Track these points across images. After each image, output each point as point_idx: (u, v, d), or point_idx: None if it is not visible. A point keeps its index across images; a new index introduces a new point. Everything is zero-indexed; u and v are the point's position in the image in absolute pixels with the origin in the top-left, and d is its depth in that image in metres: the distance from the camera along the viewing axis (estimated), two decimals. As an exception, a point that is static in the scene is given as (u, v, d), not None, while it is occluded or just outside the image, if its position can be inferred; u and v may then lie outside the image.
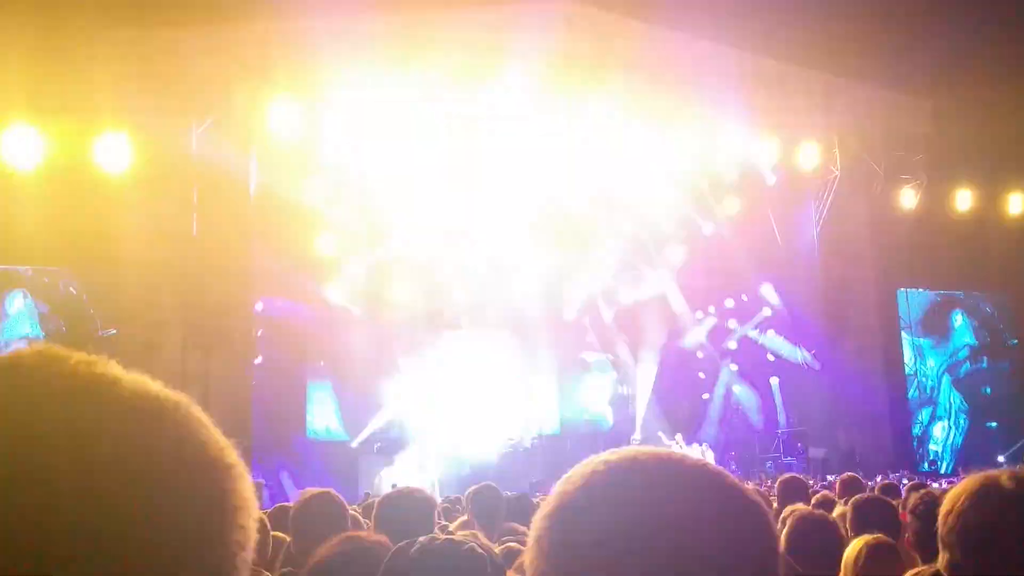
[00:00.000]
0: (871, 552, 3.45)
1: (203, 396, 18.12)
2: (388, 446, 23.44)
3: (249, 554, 0.81)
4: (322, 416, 24.20)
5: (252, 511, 0.82)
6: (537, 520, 0.97)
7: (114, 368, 0.80)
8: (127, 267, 18.47)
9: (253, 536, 0.82)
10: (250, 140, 19.54)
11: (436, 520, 3.99)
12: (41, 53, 16.92)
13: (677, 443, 22.50)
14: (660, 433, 23.51)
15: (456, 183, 22.38)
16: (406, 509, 3.71)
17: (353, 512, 4.64)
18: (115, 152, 17.84)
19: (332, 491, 4.09)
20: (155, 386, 0.81)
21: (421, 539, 2.26)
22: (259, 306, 21.36)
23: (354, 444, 23.60)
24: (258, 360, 21.09)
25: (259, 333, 21.38)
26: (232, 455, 0.83)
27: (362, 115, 20.00)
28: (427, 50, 19.76)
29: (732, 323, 27.23)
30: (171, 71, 18.53)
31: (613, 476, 0.95)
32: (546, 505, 0.98)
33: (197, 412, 0.83)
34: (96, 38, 17.85)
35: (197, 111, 18.63)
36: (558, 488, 0.99)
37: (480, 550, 2.27)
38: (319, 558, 2.73)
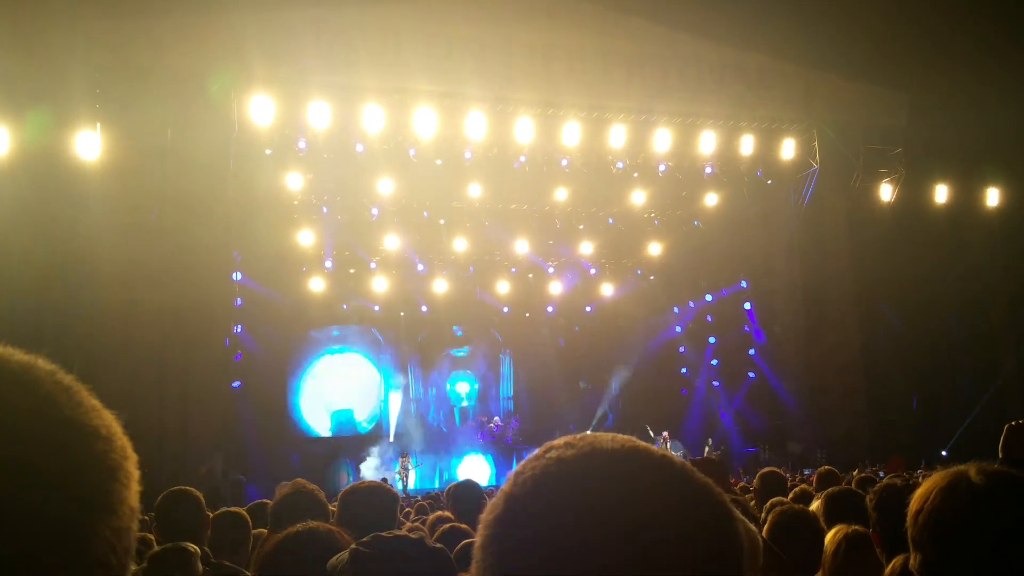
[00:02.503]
0: (850, 543, 3.43)
1: (183, 391, 18.01)
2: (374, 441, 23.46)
3: (130, 525, 0.79)
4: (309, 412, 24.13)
5: (130, 482, 0.79)
6: (481, 525, 0.89)
7: None
8: (103, 262, 18.27)
9: (134, 513, 0.79)
10: (227, 131, 19.34)
11: (399, 514, 3.97)
12: (13, 44, 16.68)
13: (664, 440, 22.56)
14: (648, 426, 23.56)
15: (436, 175, 22.29)
16: (367, 503, 3.69)
17: (333, 507, 4.60)
18: (89, 145, 17.60)
19: (306, 482, 4.05)
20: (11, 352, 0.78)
21: (379, 534, 2.24)
22: (238, 301, 21.22)
23: (334, 438, 23.56)
24: (238, 356, 20.96)
25: (239, 329, 21.25)
26: (103, 421, 0.79)
27: (339, 106, 19.85)
28: (404, 41, 19.65)
29: (711, 318, 27.31)
30: (146, 62, 18.33)
31: (566, 476, 0.86)
32: (492, 507, 0.89)
33: (62, 377, 0.79)
34: (69, 29, 17.60)
35: (173, 103, 18.39)
36: (505, 488, 0.90)
37: (432, 543, 2.26)
38: (270, 544, 2.71)
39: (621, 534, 0.81)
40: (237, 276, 20.87)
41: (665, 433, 23.06)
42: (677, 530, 0.83)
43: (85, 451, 0.75)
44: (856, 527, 3.54)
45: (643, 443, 0.92)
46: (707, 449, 23.26)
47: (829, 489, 5.00)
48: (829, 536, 3.60)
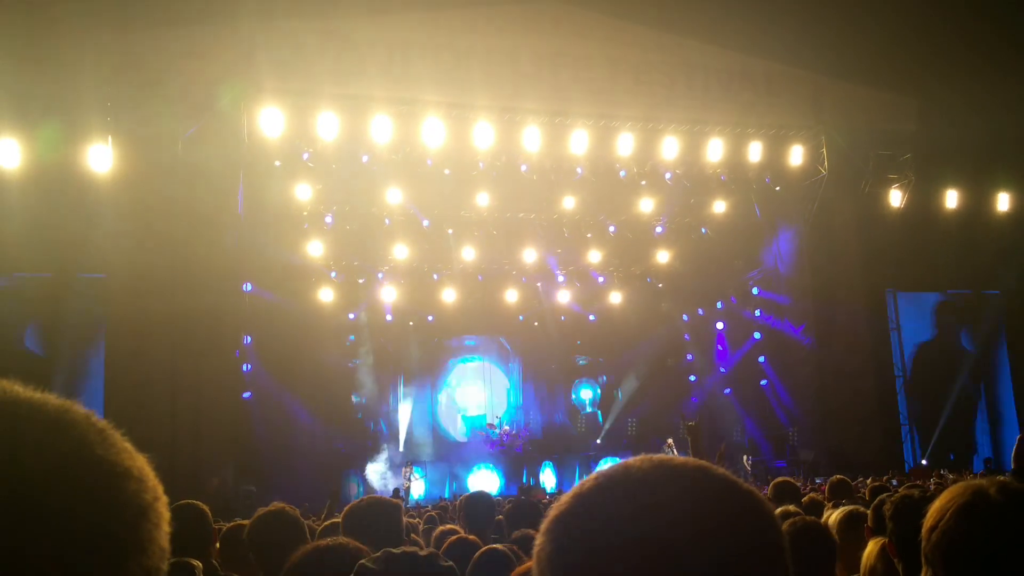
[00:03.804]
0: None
1: (194, 403, 18.04)
2: (381, 454, 23.46)
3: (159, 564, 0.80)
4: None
5: (161, 523, 0.81)
6: (538, 535, 0.96)
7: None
8: (114, 273, 18.36)
9: (164, 553, 0.81)
10: (238, 143, 19.43)
11: (403, 527, 4.00)
12: (25, 57, 16.82)
13: (669, 447, 22.49)
14: (669, 440, 23.52)
15: (444, 184, 22.35)
16: (373, 517, 3.71)
17: (311, 526, 4.66)
18: (100, 157, 17.70)
19: (287, 506, 4.10)
20: (38, 393, 0.80)
21: (389, 550, 2.26)
22: (248, 312, 21.27)
23: (344, 450, 23.57)
24: (247, 367, 20.99)
25: (248, 340, 21.28)
26: (135, 463, 0.81)
27: (348, 117, 19.93)
28: (412, 52, 19.72)
29: (720, 325, 27.25)
30: (157, 74, 18.42)
31: (606, 485, 0.93)
32: (546, 520, 0.96)
33: (96, 420, 0.81)
34: (81, 42, 17.72)
35: (184, 115, 18.49)
36: (557, 501, 0.97)
37: (443, 561, 2.28)
38: (294, 560, 2.74)
39: (657, 532, 0.87)
40: (247, 287, 20.94)
41: (670, 440, 23.00)
42: (716, 528, 0.88)
43: (118, 491, 0.77)
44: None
45: (711, 465, 0.97)
46: (745, 458, 23.18)
47: (848, 508, 5.00)
48: (868, 550, 3.60)
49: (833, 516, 3.57)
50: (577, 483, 0.98)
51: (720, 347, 27.22)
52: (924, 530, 1.87)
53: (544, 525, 0.96)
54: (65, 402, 0.80)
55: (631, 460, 0.97)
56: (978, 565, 1.75)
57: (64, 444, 0.76)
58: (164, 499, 0.83)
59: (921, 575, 1.89)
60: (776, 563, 0.92)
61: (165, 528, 0.82)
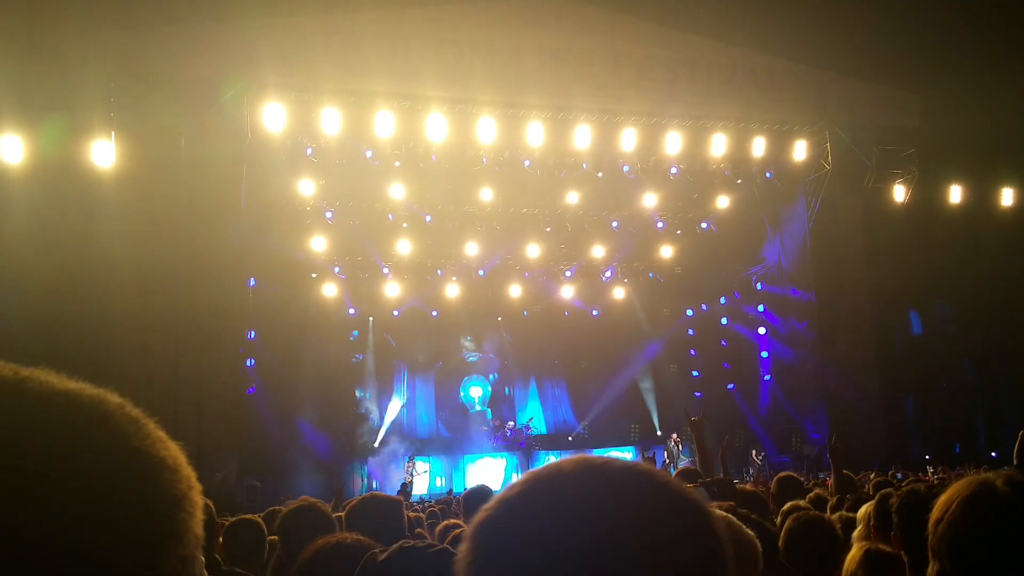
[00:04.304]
0: (870, 562, 3.41)
1: (196, 398, 18.08)
2: (385, 446, 23.49)
3: (195, 554, 0.81)
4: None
5: (195, 511, 0.82)
6: (463, 541, 0.91)
7: (18, 368, 0.79)
8: (117, 268, 18.39)
9: (198, 541, 0.82)
10: (240, 138, 19.46)
11: (405, 522, 4.04)
12: (28, 53, 16.83)
13: (673, 443, 22.49)
14: (674, 435, 23.54)
15: (447, 180, 22.38)
16: (375, 513, 3.73)
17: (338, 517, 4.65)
18: (104, 153, 17.73)
19: (318, 501, 4.11)
20: (72, 383, 0.80)
21: (404, 544, 2.28)
22: (251, 307, 21.29)
23: (350, 447, 23.61)
24: (251, 362, 21.02)
25: (252, 335, 21.31)
26: (169, 452, 0.82)
27: (351, 112, 19.95)
28: (415, 47, 19.72)
29: (724, 320, 27.25)
30: (159, 70, 18.44)
31: (533, 490, 0.89)
32: (471, 525, 0.91)
33: (130, 410, 0.82)
34: (83, 38, 17.74)
35: (186, 110, 18.51)
36: (485, 505, 0.92)
37: (452, 550, 2.30)
38: (304, 558, 2.76)
39: (583, 538, 0.82)
40: (252, 283, 20.96)
41: (675, 435, 23.00)
42: (657, 538, 0.84)
43: (153, 481, 0.78)
44: (879, 545, 3.52)
45: (631, 462, 0.93)
46: (754, 452, 23.17)
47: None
48: (850, 554, 3.58)
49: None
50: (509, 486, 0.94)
51: (723, 343, 27.21)
52: (930, 523, 1.85)
53: (468, 530, 0.91)
54: (99, 392, 0.81)
55: (564, 461, 0.92)
56: (985, 557, 1.73)
57: (101, 435, 0.76)
58: (198, 487, 0.84)
59: (928, 569, 1.88)
60: (715, 560, 0.88)
61: (199, 516, 0.82)
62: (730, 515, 2.78)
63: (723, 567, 0.88)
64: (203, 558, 3.91)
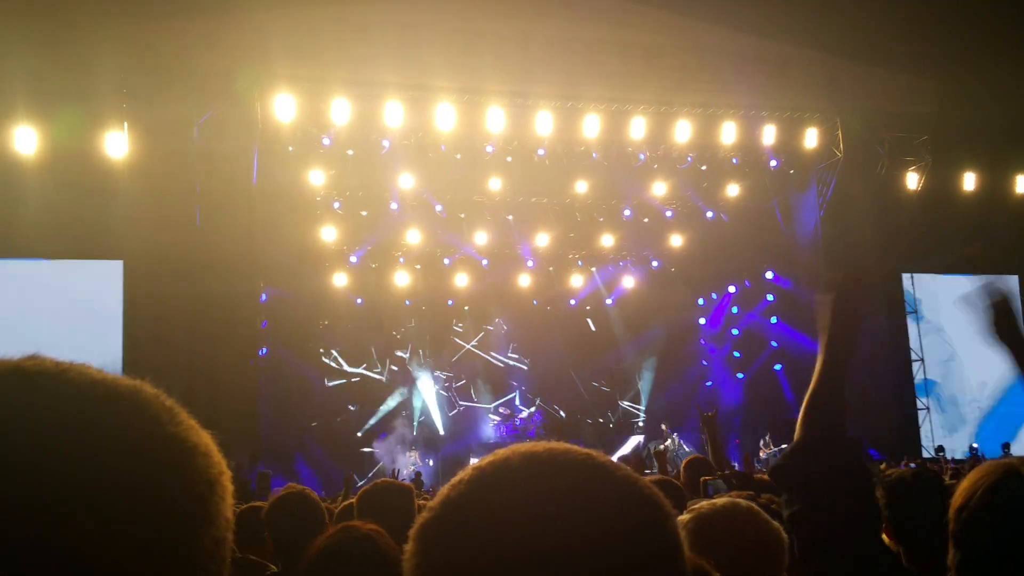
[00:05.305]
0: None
1: (210, 388, 18.21)
2: (393, 434, 23.58)
3: (227, 542, 0.85)
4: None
5: (226, 495, 0.86)
6: (409, 540, 0.90)
7: (58, 361, 0.84)
8: (130, 258, 18.53)
9: (229, 524, 0.86)
10: (252, 129, 19.56)
11: (416, 510, 4.07)
12: (42, 45, 16.96)
13: (671, 439, 22.47)
14: (663, 426, 23.57)
15: (456, 169, 22.42)
16: (386, 501, 3.79)
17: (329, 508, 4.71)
18: (116, 144, 17.87)
19: (307, 489, 4.16)
20: (109, 375, 0.84)
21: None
22: (263, 297, 21.41)
23: (360, 433, 23.75)
24: (263, 351, 21.15)
25: (264, 325, 21.45)
26: (202, 439, 0.86)
27: (360, 102, 20.01)
28: (423, 37, 19.73)
29: (735, 309, 27.19)
30: (172, 62, 18.53)
31: (479, 487, 0.87)
32: (416, 524, 0.90)
33: (164, 399, 0.86)
34: (97, 30, 17.85)
35: (199, 102, 18.61)
36: (430, 503, 0.91)
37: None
38: (317, 548, 2.78)
39: (544, 538, 0.81)
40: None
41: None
42: (602, 531, 0.82)
43: (188, 466, 0.82)
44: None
45: (575, 448, 0.91)
46: (762, 442, 23.13)
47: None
48: None
49: None
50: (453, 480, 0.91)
51: (734, 332, 27.16)
52: (952, 510, 1.85)
53: (413, 530, 0.90)
54: (136, 382, 0.85)
55: (511, 454, 0.90)
56: (1010, 542, 1.72)
57: (139, 423, 0.81)
58: (228, 473, 0.88)
59: (949, 557, 1.86)
60: (666, 551, 0.86)
61: (230, 500, 0.87)
62: (755, 506, 2.69)
63: (674, 563, 0.87)
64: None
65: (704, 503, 2.74)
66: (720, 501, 2.72)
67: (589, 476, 0.87)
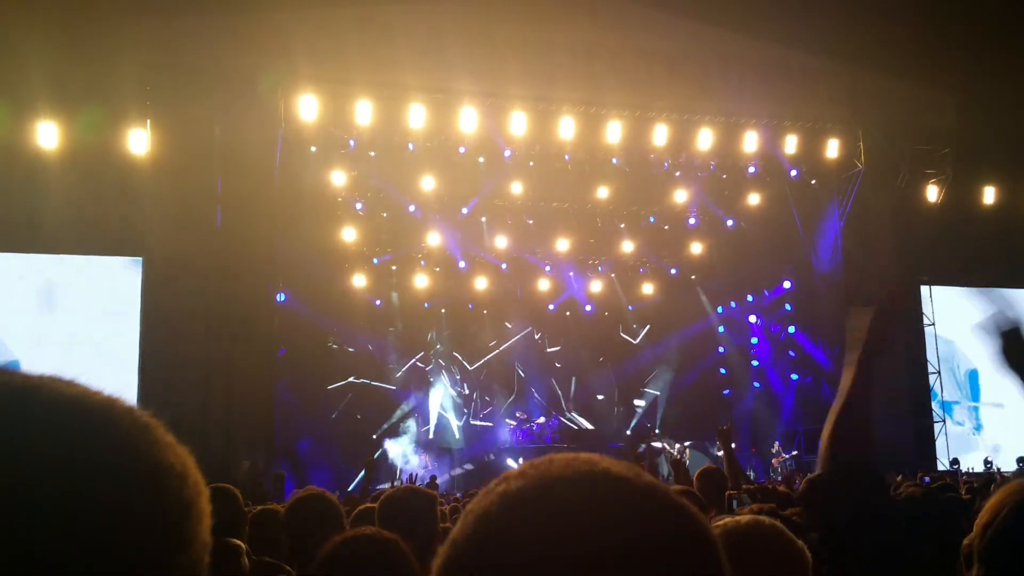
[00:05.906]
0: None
1: (226, 387, 18.28)
2: (408, 436, 23.62)
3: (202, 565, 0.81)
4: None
5: (203, 518, 0.82)
6: (437, 557, 0.83)
7: (26, 376, 0.79)
8: (151, 256, 18.62)
9: (206, 547, 0.82)
10: (274, 129, 19.62)
11: (438, 517, 4.08)
12: (65, 43, 17.07)
13: (682, 452, 22.38)
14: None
15: (478, 173, 22.47)
16: (409, 507, 3.78)
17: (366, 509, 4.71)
18: (139, 142, 17.97)
19: (326, 492, 4.16)
20: (82, 388, 0.81)
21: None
22: (281, 296, 21.47)
23: (375, 435, 23.77)
24: (281, 352, 21.20)
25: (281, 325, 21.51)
26: (178, 458, 0.82)
27: (383, 104, 20.05)
28: (447, 41, 19.76)
29: (753, 318, 27.11)
30: (194, 60, 18.61)
31: (517, 504, 0.80)
32: (446, 543, 0.83)
33: (139, 415, 0.82)
34: (120, 28, 17.98)
35: (222, 101, 18.68)
36: (460, 520, 0.84)
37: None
38: (326, 551, 2.78)
39: (579, 564, 0.74)
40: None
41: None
42: (647, 559, 0.76)
43: (160, 489, 0.77)
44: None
45: (605, 461, 0.84)
46: (773, 450, 22.99)
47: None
48: None
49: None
50: (479, 499, 0.84)
51: (754, 340, 27.08)
52: (977, 527, 1.83)
53: (443, 548, 0.82)
54: (108, 398, 0.81)
55: (548, 468, 0.83)
56: None
57: (106, 442, 0.76)
58: (206, 493, 0.84)
59: (973, 571, 1.85)
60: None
61: (207, 523, 0.83)
62: (778, 523, 2.60)
63: None
64: (243, 544, 3.97)
65: (728, 519, 2.71)
66: (744, 518, 2.69)
67: (640, 497, 0.81)
